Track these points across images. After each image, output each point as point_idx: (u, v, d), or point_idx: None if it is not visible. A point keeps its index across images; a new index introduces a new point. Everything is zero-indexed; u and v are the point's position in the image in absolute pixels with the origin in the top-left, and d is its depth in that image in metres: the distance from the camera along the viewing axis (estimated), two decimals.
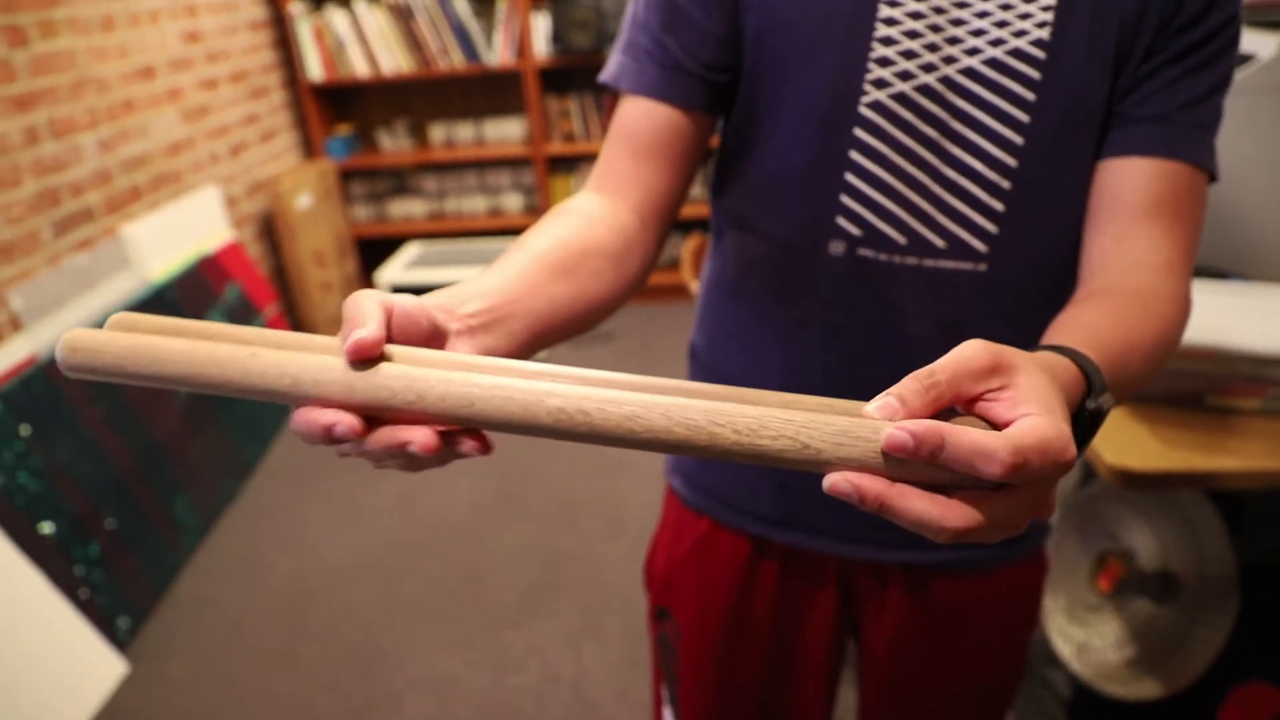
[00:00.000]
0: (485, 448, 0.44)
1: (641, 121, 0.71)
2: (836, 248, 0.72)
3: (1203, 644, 1.40)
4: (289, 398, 0.43)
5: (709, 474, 0.90)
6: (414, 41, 3.43)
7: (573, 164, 3.70)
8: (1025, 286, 0.72)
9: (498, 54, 3.43)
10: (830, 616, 0.90)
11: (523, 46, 3.38)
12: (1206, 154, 0.67)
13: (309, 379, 0.42)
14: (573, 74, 3.60)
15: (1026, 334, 0.69)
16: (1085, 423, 0.49)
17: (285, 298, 3.39)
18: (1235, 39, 0.67)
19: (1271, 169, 1.41)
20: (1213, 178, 0.69)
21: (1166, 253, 0.66)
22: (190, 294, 2.64)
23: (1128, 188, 0.67)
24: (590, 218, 0.66)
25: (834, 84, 0.67)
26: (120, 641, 2.00)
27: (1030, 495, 0.41)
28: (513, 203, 3.77)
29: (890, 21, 0.66)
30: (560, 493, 2.54)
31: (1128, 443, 1.08)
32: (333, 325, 3.47)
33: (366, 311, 0.43)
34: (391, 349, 0.44)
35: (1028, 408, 0.41)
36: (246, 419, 2.75)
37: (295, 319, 3.41)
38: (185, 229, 2.74)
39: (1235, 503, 1.49)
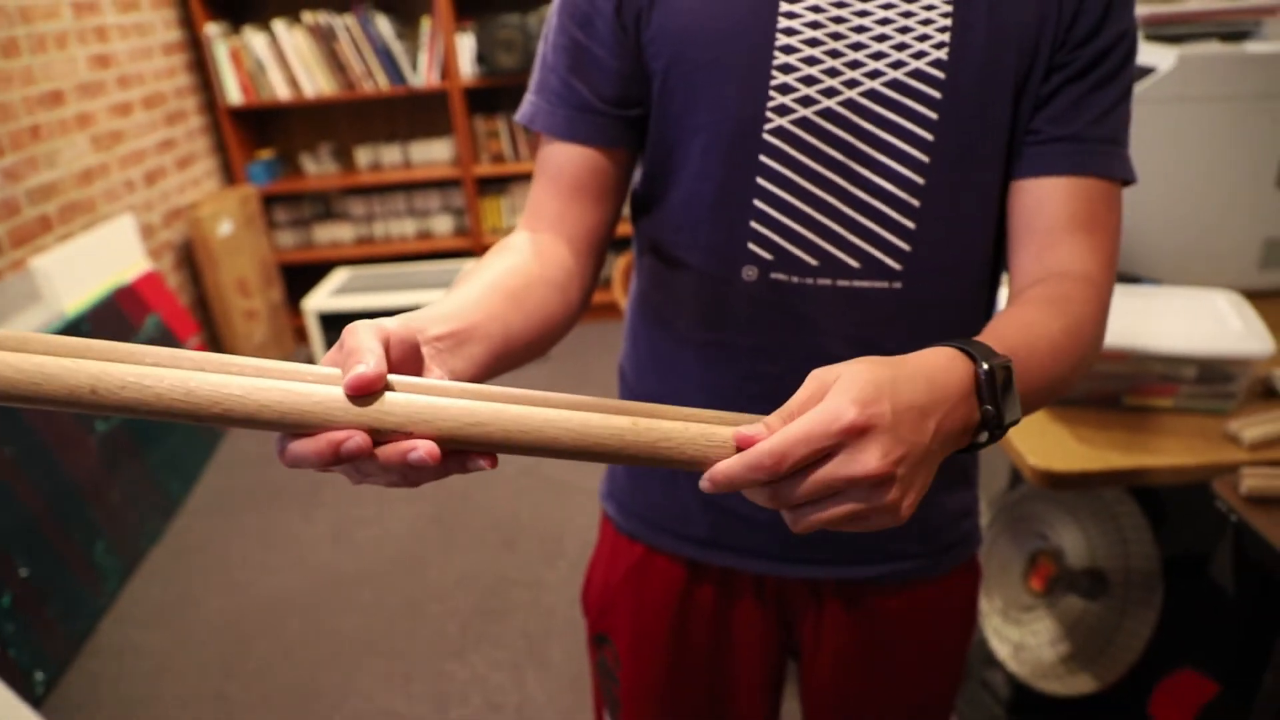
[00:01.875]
0: (494, 463, 0.47)
1: (561, 162, 0.73)
2: (750, 273, 0.73)
3: (1132, 637, 1.44)
4: (303, 430, 0.44)
5: (642, 499, 0.89)
6: (336, 63, 3.38)
7: (503, 184, 3.68)
8: (940, 302, 0.74)
9: (423, 75, 3.40)
10: (769, 637, 0.90)
11: (448, 67, 3.36)
12: (1119, 164, 0.70)
13: (321, 411, 0.44)
14: (500, 94, 3.59)
15: None
16: (987, 386, 0.52)
17: (208, 328, 3.29)
18: (1133, 50, 0.69)
19: (1173, 176, 1.48)
20: (1128, 182, 0.71)
21: (1083, 264, 0.68)
22: (107, 326, 2.54)
23: (1045, 206, 0.69)
24: (529, 253, 0.69)
25: (737, 113, 0.68)
26: (37, 697, 1.90)
27: (843, 462, 0.46)
28: (443, 225, 3.73)
29: (788, 49, 0.67)
30: (499, 518, 2.50)
31: (1050, 445, 1.11)
32: (258, 354, 3.37)
33: (366, 346, 0.45)
34: (391, 378, 0.46)
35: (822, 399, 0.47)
36: (169, 455, 2.66)
37: (219, 349, 3.31)
38: (99, 260, 2.64)
39: (1156, 499, 1.54)
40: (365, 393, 0.44)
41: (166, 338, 2.81)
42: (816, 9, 0.67)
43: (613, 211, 0.77)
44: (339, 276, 3.49)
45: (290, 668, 2.01)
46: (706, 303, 0.76)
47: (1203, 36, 1.53)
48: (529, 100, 0.75)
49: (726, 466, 0.47)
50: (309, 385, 0.44)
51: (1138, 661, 1.43)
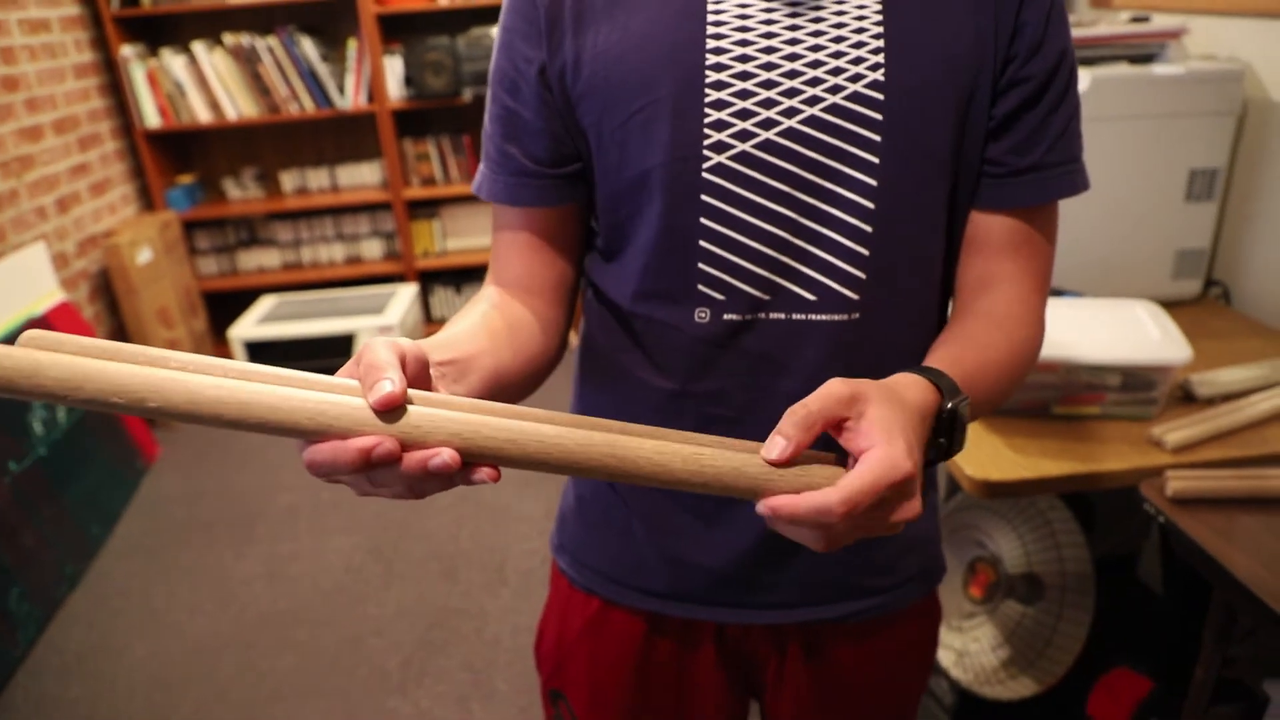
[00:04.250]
0: (498, 475, 0.49)
1: (514, 224, 0.76)
2: (702, 315, 0.71)
3: (1068, 638, 1.48)
4: (323, 436, 0.47)
5: (596, 552, 0.87)
6: (260, 86, 3.31)
7: (433, 207, 3.64)
8: (898, 330, 0.73)
9: (350, 98, 3.35)
10: (730, 684, 0.88)
11: (376, 90, 3.32)
12: (1080, 179, 0.72)
13: (350, 421, 0.46)
14: (429, 116, 3.56)
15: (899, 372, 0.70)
16: (946, 423, 0.58)
17: None
18: (1074, 64, 0.70)
19: (1091, 192, 1.53)
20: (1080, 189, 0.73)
21: (1023, 283, 0.71)
22: None
23: (994, 232, 0.71)
24: (506, 300, 0.73)
25: (673, 155, 0.67)
26: None
27: (883, 509, 0.51)
28: (373, 249, 3.67)
29: (719, 85, 0.66)
30: (438, 547, 2.45)
31: (986, 455, 1.14)
32: None
33: (386, 362, 0.48)
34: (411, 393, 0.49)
35: (870, 439, 0.51)
36: (88, 495, 2.54)
37: None
38: (9, 291, 2.52)
39: (1086, 503, 1.60)
40: (391, 408, 0.47)
41: None
42: (744, 42, 0.66)
43: (576, 260, 0.79)
44: (266, 303, 3.40)
45: (225, 712, 1.93)
46: (658, 350, 0.75)
47: (1112, 60, 1.60)
48: (479, 170, 0.77)
49: (791, 505, 0.50)
50: (335, 396, 0.47)
51: (1075, 662, 1.47)
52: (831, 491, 0.49)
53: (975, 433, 1.19)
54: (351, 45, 3.31)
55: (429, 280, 3.72)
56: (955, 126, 0.68)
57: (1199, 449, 1.14)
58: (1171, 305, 1.61)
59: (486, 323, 0.67)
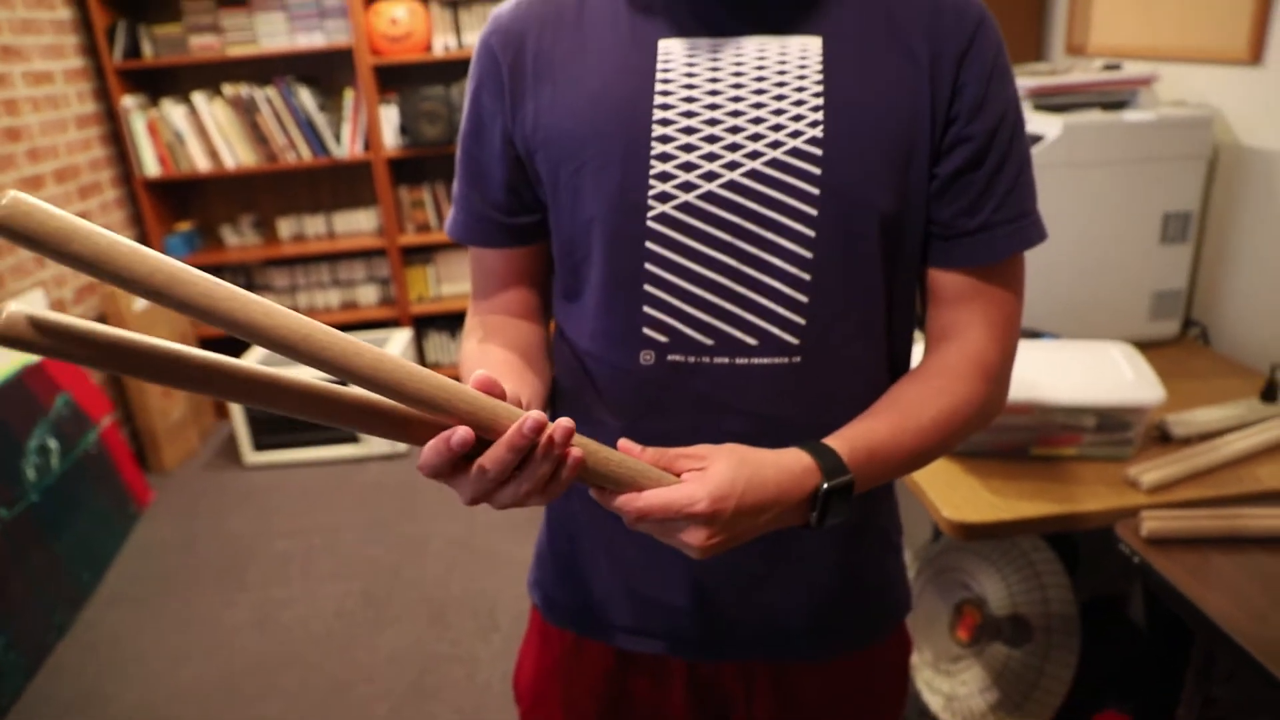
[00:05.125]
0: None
1: (482, 262, 0.82)
2: (647, 357, 0.74)
3: (1055, 680, 1.48)
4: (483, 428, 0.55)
5: (568, 589, 0.89)
6: (258, 135, 3.36)
7: (428, 253, 3.68)
8: (839, 373, 0.75)
9: (346, 146, 3.40)
10: None
11: (372, 139, 3.37)
12: (1033, 232, 0.74)
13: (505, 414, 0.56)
14: (424, 164, 3.61)
15: (843, 417, 0.72)
16: (821, 499, 0.65)
17: (123, 406, 3.18)
18: (1020, 118, 0.72)
19: (1066, 236, 1.56)
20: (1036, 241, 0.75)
21: (981, 334, 0.74)
22: (13, 407, 2.43)
23: (951, 287, 0.74)
24: (501, 327, 0.80)
25: (620, 204, 0.71)
26: None
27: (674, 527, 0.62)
28: (368, 295, 3.70)
29: (665, 139, 0.69)
30: (429, 592, 2.44)
31: (962, 497, 1.14)
32: (176, 432, 3.27)
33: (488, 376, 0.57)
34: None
35: (689, 479, 0.62)
36: (79, 541, 2.53)
37: (134, 428, 3.20)
38: None
39: (1070, 544, 1.60)
40: (489, 389, 0.55)
41: (78, 418, 2.71)
42: (690, 99, 0.69)
43: (547, 289, 0.85)
44: (260, 350, 3.41)
45: None
46: (607, 389, 0.78)
47: (1085, 106, 1.64)
48: (451, 210, 0.83)
49: (601, 497, 0.62)
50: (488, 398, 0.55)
51: (1063, 704, 1.46)
52: (640, 496, 0.60)
53: (952, 474, 1.21)
54: (348, 95, 3.37)
55: (423, 325, 3.74)
56: (893, 182, 0.70)
57: (1175, 489, 1.15)
58: (1150, 346, 1.63)
59: (509, 360, 0.74)
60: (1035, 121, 1.57)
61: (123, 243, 0.44)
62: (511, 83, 0.74)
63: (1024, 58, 2.25)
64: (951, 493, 1.16)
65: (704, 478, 0.61)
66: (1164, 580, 0.97)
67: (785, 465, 0.64)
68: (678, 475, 0.63)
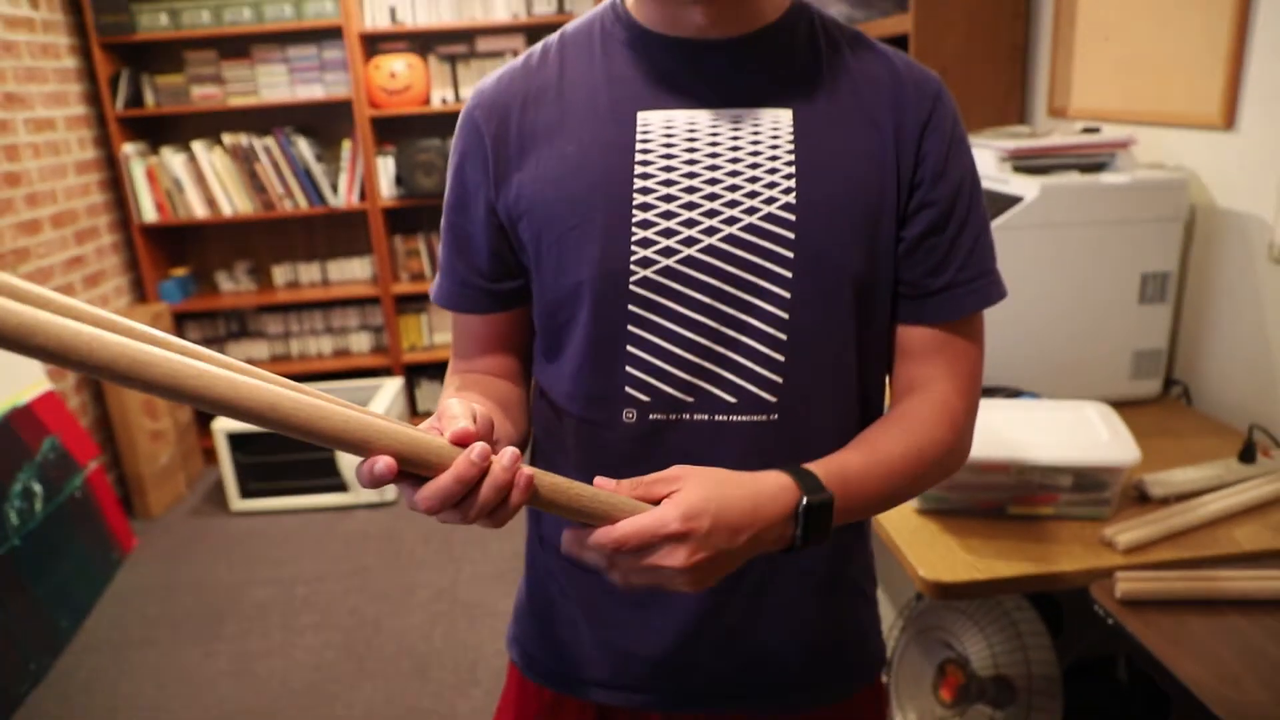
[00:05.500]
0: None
1: (465, 325, 0.84)
2: (629, 415, 0.76)
3: None
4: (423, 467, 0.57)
5: (545, 645, 0.90)
6: (256, 184, 3.41)
7: (421, 302, 3.71)
8: (815, 429, 0.77)
9: (343, 196, 3.44)
10: None
11: (368, 188, 3.42)
12: (993, 291, 0.78)
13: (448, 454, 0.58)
14: (419, 214, 3.65)
15: None
16: (802, 514, 0.66)
17: (110, 449, 3.17)
18: (977, 183, 0.77)
19: (1046, 296, 1.58)
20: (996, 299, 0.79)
21: (946, 386, 0.76)
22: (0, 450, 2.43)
23: (917, 343, 0.78)
24: (480, 381, 0.81)
25: (603, 269, 0.73)
26: None
27: (661, 554, 0.62)
28: (360, 343, 3.72)
29: (645, 207, 0.72)
30: (411, 645, 2.41)
31: (939, 555, 1.14)
32: (163, 477, 3.25)
33: (460, 414, 0.60)
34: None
35: (662, 503, 0.63)
36: (60, 586, 2.51)
37: (121, 472, 3.18)
38: None
39: (1053, 603, 1.59)
40: (465, 443, 0.58)
41: (65, 461, 2.70)
42: (668, 168, 0.73)
43: (527, 353, 0.86)
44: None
45: None
46: (590, 448, 0.79)
47: (1064, 168, 1.67)
48: (436, 275, 0.86)
49: (575, 535, 0.63)
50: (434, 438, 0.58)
51: None
52: (615, 526, 0.61)
53: (930, 533, 1.20)
54: (346, 146, 3.43)
55: (415, 373, 3.75)
56: (863, 245, 0.74)
57: (1151, 549, 1.15)
58: (1132, 405, 1.64)
59: (488, 403, 0.74)
60: (1014, 183, 1.60)
61: (84, 331, 0.45)
62: (495, 155, 0.77)
63: (1007, 119, 2.30)
64: (928, 551, 1.15)
65: (675, 499, 0.62)
66: (1138, 643, 0.97)
67: (763, 482, 0.66)
68: (656, 503, 0.64)
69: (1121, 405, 1.59)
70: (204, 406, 0.49)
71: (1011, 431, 1.24)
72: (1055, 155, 1.68)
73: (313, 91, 3.38)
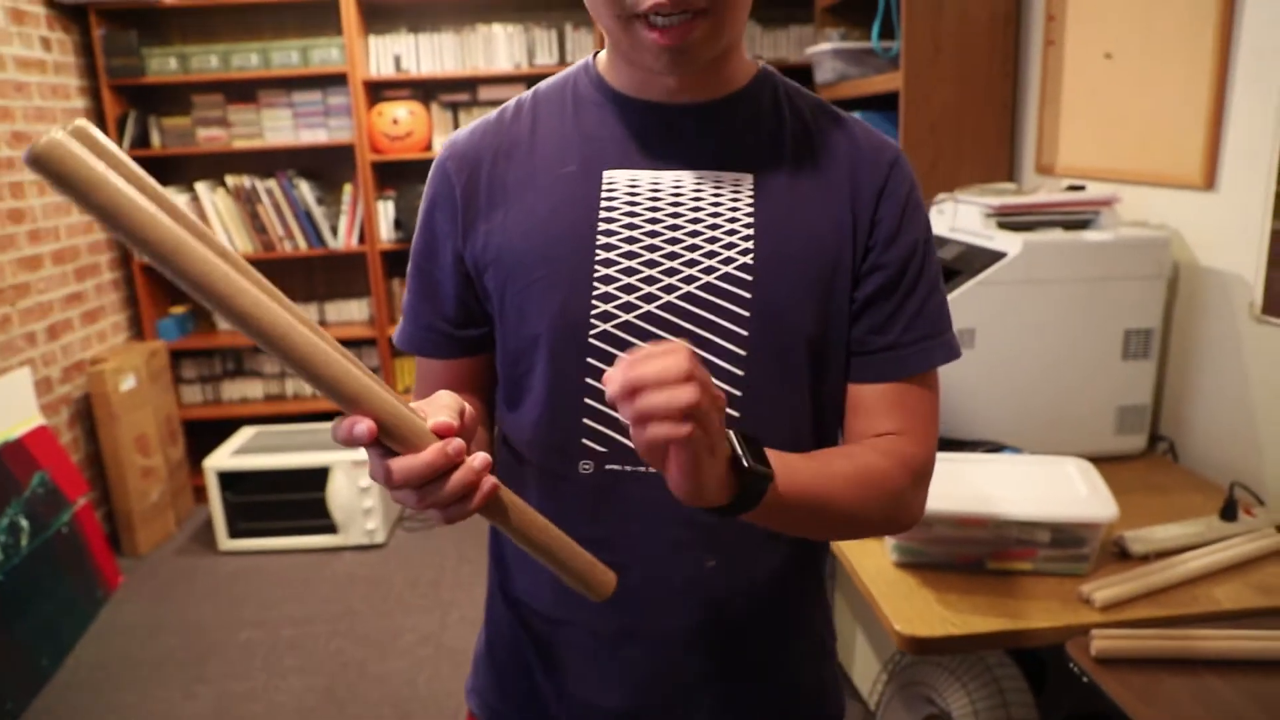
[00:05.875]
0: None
1: (427, 371, 0.85)
2: (586, 466, 0.77)
3: None
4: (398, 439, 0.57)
5: (504, 695, 0.90)
6: (257, 225, 3.45)
7: None
8: None
9: (342, 239, 3.48)
10: None
11: (367, 232, 3.46)
12: (940, 353, 0.79)
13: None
14: None
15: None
16: (743, 447, 0.63)
17: (100, 485, 3.16)
18: (930, 249, 0.79)
19: (1030, 351, 1.60)
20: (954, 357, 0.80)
21: (894, 438, 0.77)
22: None
23: (867, 399, 0.79)
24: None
25: (564, 320, 0.75)
26: None
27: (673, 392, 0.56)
28: None
29: (607, 262, 0.74)
30: (395, 689, 2.38)
31: (916, 610, 1.14)
32: (152, 515, 3.24)
33: (451, 406, 0.61)
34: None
35: None
36: (43, 623, 2.48)
37: (110, 509, 3.17)
38: None
39: (1036, 658, 1.57)
40: (443, 435, 0.58)
41: (54, 497, 2.69)
42: (632, 225, 0.75)
43: (490, 398, 0.87)
44: (244, 434, 3.42)
45: None
46: (550, 497, 0.80)
47: (1049, 225, 1.69)
48: (400, 321, 0.86)
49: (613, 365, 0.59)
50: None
51: None
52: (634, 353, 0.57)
53: (908, 586, 1.20)
54: (347, 189, 3.47)
55: None
56: (817, 304, 0.75)
57: (1129, 607, 1.15)
58: (1118, 460, 1.65)
59: (475, 409, 0.74)
60: (998, 239, 1.62)
61: (143, 209, 0.47)
62: (464, 205, 0.79)
63: (997, 175, 2.34)
64: (905, 605, 1.15)
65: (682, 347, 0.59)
66: (1111, 702, 0.96)
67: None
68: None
69: (1107, 460, 1.59)
70: (221, 310, 0.51)
71: (990, 486, 1.25)
72: (1039, 212, 1.71)
73: (316, 136, 3.44)
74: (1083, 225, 1.70)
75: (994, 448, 1.49)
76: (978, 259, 1.61)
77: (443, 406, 0.60)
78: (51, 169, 0.45)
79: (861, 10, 2.57)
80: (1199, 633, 1.05)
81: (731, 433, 0.63)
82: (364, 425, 0.54)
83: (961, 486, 1.25)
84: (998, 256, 1.58)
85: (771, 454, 0.66)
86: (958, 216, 1.80)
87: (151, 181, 0.52)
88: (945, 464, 1.33)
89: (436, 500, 0.57)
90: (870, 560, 1.28)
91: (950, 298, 1.52)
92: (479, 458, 0.58)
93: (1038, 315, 1.58)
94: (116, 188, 0.47)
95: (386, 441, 0.57)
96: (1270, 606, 1.15)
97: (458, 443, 0.57)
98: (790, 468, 0.67)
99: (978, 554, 1.22)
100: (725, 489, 0.62)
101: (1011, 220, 1.69)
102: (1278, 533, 1.33)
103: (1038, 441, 1.58)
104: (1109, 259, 1.60)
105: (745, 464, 0.62)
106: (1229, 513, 1.37)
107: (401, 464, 0.56)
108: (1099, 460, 1.52)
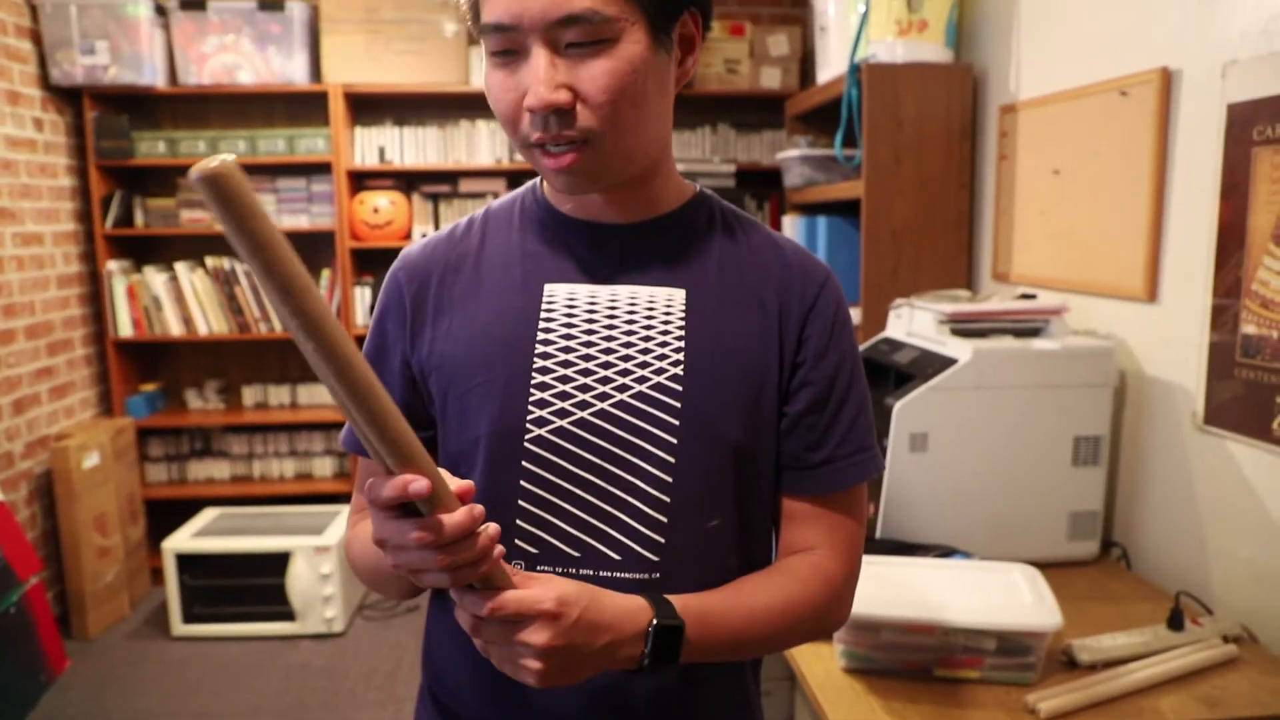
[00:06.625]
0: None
1: (370, 470, 0.85)
2: (518, 566, 0.78)
3: None
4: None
5: None
6: (234, 306, 3.47)
7: None
8: (696, 589, 0.78)
9: None
10: None
11: (344, 316, 3.49)
12: (870, 465, 0.83)
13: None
14: None
15: None
16: (653, 636, 0.69)
17: (55, 564, 3.09)
18: (858, 365, 0.83)
19: (980, 456, 1.63)
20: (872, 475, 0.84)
21: (825, 552, 0.81)
22: None
23: (799, 512, 0.82)
24: None
25: (501, 427, 0.78)
26: None
27: (526, 629, 0.65)
28: (324, 467, 3.70)
29: (544, 370, 0.78)
30: None
31: (861, 717, 1.13)
32: (106, 596, 3.16)
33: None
34: None
35: (541, 583, 0.67)
36: None
37: (62, 588, 3.09)
38: None
39: None
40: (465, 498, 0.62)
41: (3, 575, 2.62)
42: (569, 336, 0.79)
43: None
44: (207, 516, 3.36)
45: None
46: None
47: (999, 332, 1.75)
48: (346, 422, 0.87)
49: (460, 591, 0.65)
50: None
51: None
52: (497, 595, 0.64)
53: (855, 693, 1.20)
54: (325, 274, 3.52)
55: None
56: (745, 416, 0.79)
57: (1074, 717, 1.15)
58: (1071, 566, 1.66)
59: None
60: (950, 345, 1.67)
61: (287, 244, 0.50)
62: (413, 313, 0.83)
63: (955, 281, 2.41)
64: (850, 712, 1.14)
65: (554, 582, 0.67)
66: None
67: (624, 600, 0.70)
68: None
69: (1060, 566, 1.61)
70: (323, 351, 0.54)
71: (938, 592, 1.26)
72: (991, 320, 1.76)
73: (299, 221, 3.50)
74: (1033, 333, 1.76)
75: (945, 552, 1.50)
76: (931, 364, 1.66)
77: (451, 479, 0.64)
78: (221, 188, 0.46)
79: (830, 119, 2.68)
80: None
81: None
82: (422, 483, 0.58)
83: (909, 592, 1.26)
84: (950, 362, 1.62)
85: (685, 603, 0.71)
86: (914, 321, 1.85)
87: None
88: (894, 568, 1.35)
89: (459, 559, 0.60)
90: (820, 664, 1.28)
91: (903, 402, 1.57)
92: (492, 526, 0.63)
93: (989, 421, 1.62)
94: (271, 220, 0.49)
95: (426, 503, 0.60)
96: None
97: (479, 507, 0.61)
98: (704, 614, 0.72)
99: (925, 661, 1.22)
100: (632, 660, 0.69)
101: (964, 327, 1.74)
102: (1224, 643, 1.34)
103: (990, 546, 1.59)
104: (1057, 367, 1.65)
105: (644, 664, 0.70)
106: (1175, 622, 1.38)
107: (443, 521, 0.59)
108: (1053, 566, 1.54)
